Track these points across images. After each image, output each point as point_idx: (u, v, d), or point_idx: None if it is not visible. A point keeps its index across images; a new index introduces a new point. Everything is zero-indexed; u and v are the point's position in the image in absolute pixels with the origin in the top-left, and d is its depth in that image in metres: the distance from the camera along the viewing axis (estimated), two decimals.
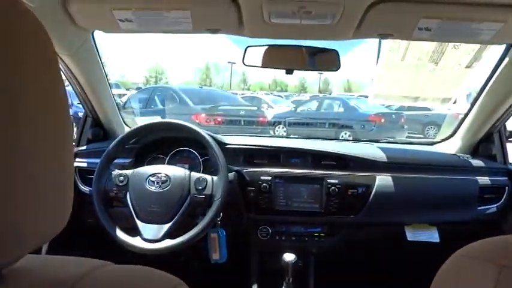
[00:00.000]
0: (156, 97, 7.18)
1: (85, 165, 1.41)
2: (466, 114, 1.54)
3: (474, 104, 1.47)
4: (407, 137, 7.30)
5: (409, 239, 1.35)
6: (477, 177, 1.41)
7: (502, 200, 1.41)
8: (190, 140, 1.42)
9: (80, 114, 1.59)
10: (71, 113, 0.41)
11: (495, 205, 1.40)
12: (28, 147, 0.33)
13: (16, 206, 0.33)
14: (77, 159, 1.44)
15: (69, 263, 0.39)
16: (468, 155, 1.56)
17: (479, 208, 1.39)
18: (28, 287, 0.35)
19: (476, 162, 1.48)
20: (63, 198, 0.39)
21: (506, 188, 1.41)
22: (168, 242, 1.18)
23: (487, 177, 1.42)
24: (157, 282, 0.40)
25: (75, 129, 1.62)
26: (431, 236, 1.35)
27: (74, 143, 1.52)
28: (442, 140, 1.72)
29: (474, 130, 1.52)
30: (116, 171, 1.27)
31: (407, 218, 1.39)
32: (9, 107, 0.31)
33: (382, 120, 7.65)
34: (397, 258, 1.56)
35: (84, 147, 1.50)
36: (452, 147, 1.64)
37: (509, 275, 0.37)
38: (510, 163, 1.49)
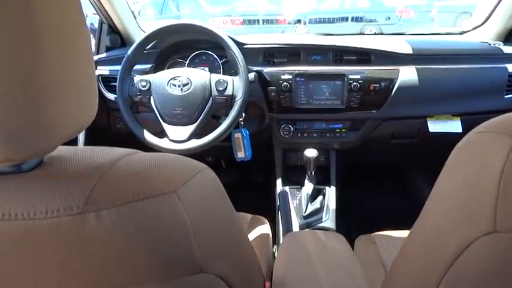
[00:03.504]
0: (170, 2, 6.89)
1: (107, 72, 1.43)
2: None
3: None
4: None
5: (431, 130, 1.36)
6: (507, 65, 1.35)
7: None
8: (208, 42, 1.40)
9: (95, 25, 1.57)
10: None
11: None
12: (50, 50, 0.35)
13: (48, 101, 0.35)
14: (99, 67, 1.45)
15: (104, 151, 0.42)
16: (500, 42, 1.47)
17: (506, 97, 1.36)
18: (67, 170, 0.39)
19: (508, 49, 1.40)
20: (88, 96, 0.41)
21: None
22: (194, 142, 1.24)
23: None
24: (185, 166, 0.44)
25: (93, 39, 1.61)
26: (454, 126, 1.35)
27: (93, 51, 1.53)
28: (474, 28, 1.62)
29: (510, 13, 1.42)
30: (138, 77, 1.29)
31: (430, 110, 1.38)
32: (24, 19, 0.33)
33: (411, 13, 7.16)
34: (419, 150, 1.58)
35: (103, 55, 1.50)
36: (484, 34, 1.54)
37: None
38: None
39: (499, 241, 0.37)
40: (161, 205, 0.38)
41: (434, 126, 1.37)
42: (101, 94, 1.42)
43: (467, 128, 1.35)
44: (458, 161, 0.45)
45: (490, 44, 1.46)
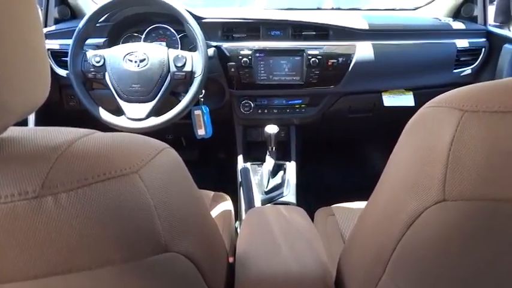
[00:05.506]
0: None
1: (57, 47, 1.35)
2: None
3: None
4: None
5: (385, 104, 1.41)
6: (456, 40, 1.41)
7: (478, 61, 1.43)
8: (165, 16, 1.35)
9: None
10: None
11: (470, 67, 1.43)
12: None
13: None
14: (47, 41, 1.36)
15: (59, 131, 0.40)
16: (450, 18, 1.53)
17: (454, 71, 1.43)
18: (20, 152, 0.37)
19: (457, 25, 1.46)
20: (40, 71, 0.39)
21: (483, 49, 1.43)
22: (153, 120, 1.21)
23: (465, 40, 1.42)
24: (145, 145, 0.43)
25: (40, 10, 1.51)
26: (407, 100, 1.41)
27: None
28: (427, 4, 1.67)
29: None
30: (91, 52, 1.22)
31: (384, 85, 1.42)
32: None
33: None
34: (375, 124, 1.64)
35: (52, 28, 1.41)
36: (436, 10, 1.60)
37: (470, 118, 0.40)
38: (490, 24, 1.48)
39: (448, 209, 0.40)
40: (122, 186, 0.37)
41: (389, 100, 1.42)
42: (51, 70, 1.34)
43: (419, 101, 1.41)
44: (410, 135, 0.47)
45: (440, 20, 1.51)
